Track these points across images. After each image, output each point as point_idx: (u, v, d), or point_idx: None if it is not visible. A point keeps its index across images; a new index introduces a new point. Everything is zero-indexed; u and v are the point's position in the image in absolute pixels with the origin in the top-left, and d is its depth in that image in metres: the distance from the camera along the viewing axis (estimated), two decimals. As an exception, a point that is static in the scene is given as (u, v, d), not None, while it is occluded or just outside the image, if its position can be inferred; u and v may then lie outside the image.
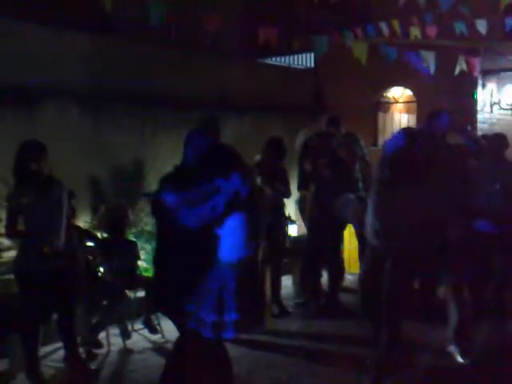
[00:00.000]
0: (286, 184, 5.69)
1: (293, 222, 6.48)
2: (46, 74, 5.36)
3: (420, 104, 8.07)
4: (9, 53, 5.14)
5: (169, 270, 3.26)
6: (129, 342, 4.83)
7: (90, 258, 4.94)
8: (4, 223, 4.06)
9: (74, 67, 5.59)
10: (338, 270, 6.05)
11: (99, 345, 4.71)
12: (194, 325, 3.12)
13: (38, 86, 5.26)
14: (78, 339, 4.42)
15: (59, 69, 5.46)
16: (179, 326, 3.39)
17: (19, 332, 4.09)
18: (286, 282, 6.16)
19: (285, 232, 5.86)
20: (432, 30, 6.13)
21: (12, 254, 4.85)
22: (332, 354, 4.69)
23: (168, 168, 6.15)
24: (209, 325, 3.10)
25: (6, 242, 4.97)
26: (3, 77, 5.03)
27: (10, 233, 4.09)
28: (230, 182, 3.09)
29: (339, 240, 6.15)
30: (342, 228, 6.15)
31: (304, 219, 6.34)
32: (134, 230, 5.68)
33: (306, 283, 5.97)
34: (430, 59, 5.75)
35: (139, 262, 5.26)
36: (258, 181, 5.35)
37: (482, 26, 5.88)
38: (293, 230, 6.55)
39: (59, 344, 4.49)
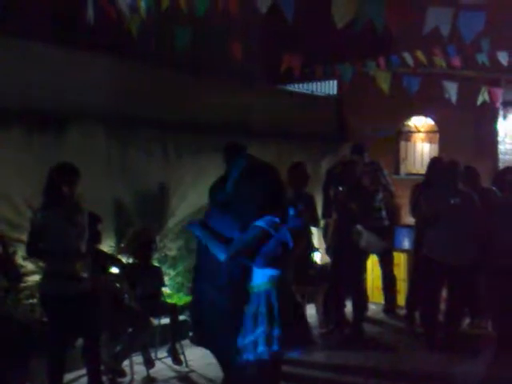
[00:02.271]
0: (314, 211, 5.65)
1: (316, 249, 6.42)
2: (71, 98, 5.39)
3: (442, 133, 8.05)
4: (35, 76, 5.18)
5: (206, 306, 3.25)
6: (152, 371, 4.75)
7: (116, 284, 4.90)
8: (26, 245, 4.04)
9: (98, 91, 5.61)
10: (361, 300, 5.97)
11: (122, 373, 4.63)
12: (248, 356, 3.05)
13: (64, 110, 5.29)
14: (102, 367, 4.36)
15: (84, 93, 5.49)
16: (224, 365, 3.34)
17: (44, 357, 4.03)
18: (310, 311, 6.06)
19: (310, 260, 5.80)
20: (455, 61, 6.16)
21: (35, 278, 4.83)
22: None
23: (191, 192, 6.25)
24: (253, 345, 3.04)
25: (30, 266, 4.95)
26: (29, 100, 5.06)
27: (32, 252, 4.06)
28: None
29: (362, 269, 6.08)
30: (365, 257, 6.09)
31: (327, 247, 6.28)
32: (157, 256, 5.64)
33: (330, 313, 5.89)
34: (451, 90, 5.76)
35: (163, 288, 5.21)
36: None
37: (503, 57, 5.91)
38: (317, 258, 6.47)
39: (83, 371, 4.43)
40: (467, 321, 5.90)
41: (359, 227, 5.62)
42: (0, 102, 4.79)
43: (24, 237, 4.61)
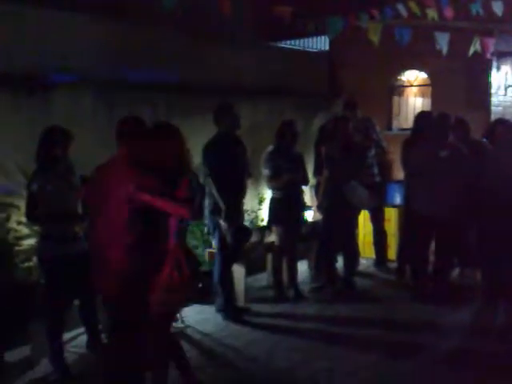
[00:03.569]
0: (303, 170, 5.69)
1: (308, 207, 6.49)
2: (59, 59, 5.35)
3: (434, 87, 8.02)
4: (23, 38, 5.13)
5: None
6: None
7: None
8: (24, 209, 4.09)
9: (87, 53, 5.57)
10: (352, 255, 6.09)
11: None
12: None
13: (52, 72, 5.25)
14: (100, 326, 4.49)
15: (71, 55, 5.44)
16: None
17: (43, 318, 4.14)
18: (302, 267, 6.20)
19: (302, 217, 5.88)
20: (448, 12, 6.07)
21: (31, 241, 4.92)
22: (348, 336, 4.76)
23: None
24: None
25: (25, 230, 5.02)
26: (17, 63, 5.03)
27: (31, 217, 4.12)
28: None
29: (354, 225, 6.18)
30: (357, 213, 6.17)
31: (319, 204, 6.35)
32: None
33: (322, 268, 6.01)
34: (442, 41, 5.71)
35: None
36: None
37: (497, 7, 5.82)
38: (308, 216, 6.56)
39: (81, 330, 4.57)
40: (457, 271, 6.04)
41: (353, 183, 5.67)
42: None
43: (17, 202, 4.70)
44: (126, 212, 3.10)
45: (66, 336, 4.48)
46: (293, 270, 5.77)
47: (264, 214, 6.54)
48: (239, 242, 5.12)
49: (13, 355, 4.23)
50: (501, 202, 4.81)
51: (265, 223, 6.35)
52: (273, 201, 5.68)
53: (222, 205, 4.93)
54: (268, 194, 5.96)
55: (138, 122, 3.54)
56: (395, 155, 6.64)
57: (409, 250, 5.96)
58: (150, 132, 3.34)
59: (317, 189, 6.22)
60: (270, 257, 5.95)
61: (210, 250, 5.66)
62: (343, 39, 7.65)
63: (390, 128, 8.30)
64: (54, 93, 5.34)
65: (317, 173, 6.20)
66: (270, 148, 5.56)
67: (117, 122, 3.53)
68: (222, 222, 4.96)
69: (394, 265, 6.42)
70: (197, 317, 5.17)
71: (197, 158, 5.26)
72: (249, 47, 7.34)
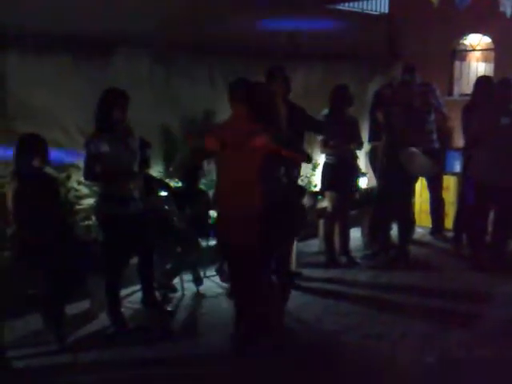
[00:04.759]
0: (358, 135, 5.59)
1: (363, 174, 6.40)
2: (116, 23, 5.40)
3: (498, 51, 7.65)
4: (81, 2, 5.21)
5: None
6: (202, 288, 5.01)
7: (165, 206, 5.08)
8: (83, 169, 4.16)
9: (142, 16, 5.59)
10: (408, 223, 5.96)
11: (174, 289, 4.90)
12: None
13: (109, 36, 5.31)
14: (155, 284, 4.63)
15: (129, 18, 5.48)
16: None
17: (102, 274, 4.30)
18: (355, 234, 6.15)
19: (355, 184, 5.81)
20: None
21: (90, 201, 5.08)
22: (400, 304, 4.72)
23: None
24: None
25: (85, 190, 5.18)
26: (75, 26, 5.10)
27: (89, 177, 4.19)
28: None
29: (410, 192, 6.03)
30: (414, 180, 6.03)
31: (374, 171, 6.25)
32: (204, 181, 5.77)
33: (376, 235, 5.94)
34: (507, 3, 5.45)
35: (211, 212, 5.37)
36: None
37: None
38: (362, 182, 6.47)
39: (137, 287, 4.73)
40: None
41: (413, 149, 5.52)
42: (47, 29, 4.86)
43: (77, 162, 4.84)
44: (259, 160, 3.51)
45: (123, 292, 4.63)
46: (345, 237, 5.74)
47: (317, 180, 6.49)
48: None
49: (73, 308, 4.40)
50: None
51: (318, 189, 6.31)
52: (326, 166, 5.62)
53: None
54: (321, 160, 5.90)
55: (249, 85, 3.83)
56: (456, 121, 6.42)
57: (466, 219, 5.81)
58: (260, 92, 3.73)
59: (372, 155, 6.12)
60: (321, 223, 5.93)
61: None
62: (403, 1, 7.39)
63: (450, 93, 8.00)
64: (113, 56, 5.41)
65: (372, 138, 6.08)
66: (325, 111, 5.48)
67: (230, 86, 3.85)
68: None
69: (450, 234, 6.28)
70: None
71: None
72: (306, 9, 7.19)
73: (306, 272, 5.40)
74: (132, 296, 4.80)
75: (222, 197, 3.78)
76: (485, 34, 7.84)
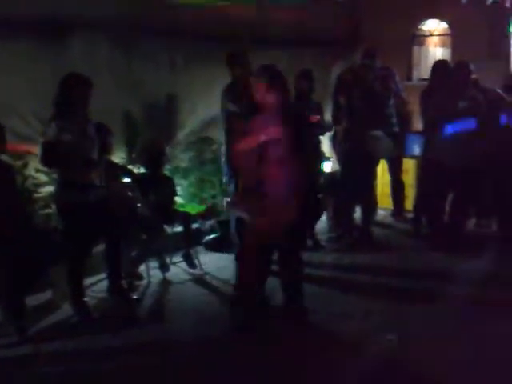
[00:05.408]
0: (321, 118, 5.63)
1: (327, 158, 6.45)
2: (74, 6, 5.26)
3: (455, 37, 7.81)
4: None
5: None
6: (168, 275, 4.98)
7: (129, 193, 5.02)
8: (41, 155, 3.99)
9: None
10: (370, 205, 6.06)
11: (140, 277, 4.86)
12: None
13: (67, 19, 5.17)
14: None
15: (88, 0, 5.35)
16: None
17: (64, 263, 4.22)
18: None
19: (319, 168, 5.85)
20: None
21: (49, 189, 4.95)
22: (363, 284, 4.79)
23: (201, 103, 6.21)
24: None
25: (43, 177, 5.05)
26: (33, 9, 4.96)
27: (47, 163, 4.07)
28: None
29: (372, 175, 6.12)
30: (375, 163, 6.12)
31: (337, 154, 6.31)
32: (169, 167, 5.72)
33: (340, 218, 6.01)
34: None
35: (176, 198, 5.33)
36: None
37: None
38: (326, 166, 6.53)
39: (102, 276, 4.67)
40: (473, 221, 6.02)
41: (378, 132, 5.59)
42: (2, 14, 4.70)
43: (33, 149, 4.70)
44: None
45: (88, 281, 4.58)
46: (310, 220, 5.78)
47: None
48: None
49: (35, 299, 4.30)
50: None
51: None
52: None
53: None
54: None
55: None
56: (415, 106, 6.52)
57: (425, 200, 5.93)
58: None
59: (334, 139, 6.17)
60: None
61: (228, 200, 5.67)
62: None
63: (409, 78, 8.14)
64: (70, 40, 5.28)
65: (335, 122, 6.13)
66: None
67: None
68: None
69: (410, 215, 6.41)
70: (215, 264, 5.25)
71: (214, 108, 5.24)
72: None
73: (274, 256, 5.39)
74: (96, 285, 4.73)
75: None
76: (442, 20, 7.98)
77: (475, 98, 5.21)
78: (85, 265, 4.24)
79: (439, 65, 5.97)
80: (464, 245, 5.40)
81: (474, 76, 5.51)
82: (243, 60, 4.95)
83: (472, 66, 5.40)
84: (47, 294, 4.44)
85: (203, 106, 6.22)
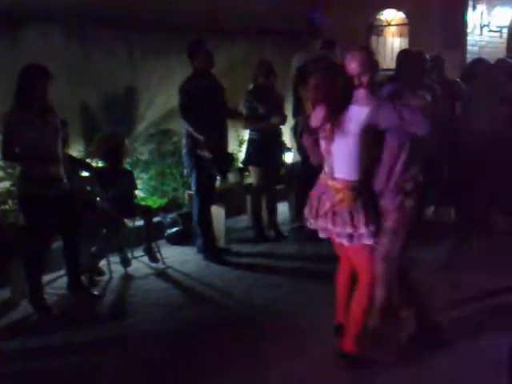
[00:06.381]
0: (282, 110, 5.63)
1: (289, 149, 6.46)
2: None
3: (412, 26, 7.92)
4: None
5: None
6: (130, 269, 4.92)
7: (88, 187, 4.92)
8: (1, 146, 3.90)
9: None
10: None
11: (101, 272, 4.78)
12: None
13: (20, 11, 5.03)
14: (80, 267, 4.48)
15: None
16: None
17: (23, 259, 4.12)
18: (282, 208, 6.23)
19: (280, 159, 5.86)
20: None
21: (5, 184, 4.83)
22: (325, 273, 4.76)
23: (159, 94, 6.14)
24: None
25: (0, 173, 4.93)
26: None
27: (8, 156, 3.98)
28: None
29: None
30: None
31: (298, 145, 6.32)
32: (129, 160, 5.64)
33: (302, 208, 6.02)
34: None
35: (136, 192, 5.26)
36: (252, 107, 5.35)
37: None
38: (288, 157, 6.54)
39: (61, 272, 4.58)
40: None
41: None
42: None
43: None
44: None
45: (47, 278, 4.49)
46: (272, 211, 5.80)
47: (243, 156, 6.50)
48: (223, 171, 5.10)
49: (-8, 298, 4.21)
50: (475, 140, 4.83)
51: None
52: (250, 141, 5.63)
53: (200, 137, 4.84)
54: (247, 136, 5.91)
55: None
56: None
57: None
58: None
59: (295, 130, 6.18)
60: (249, 198, 5.96)
61: (189, 192, 5.64)
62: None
63: (368, 69, 8.20)
64: (23, 31, 5.12)
65: (296, 113, 6.14)
66: (250, 87, 5.47)
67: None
68: (204, 153, 4.88)
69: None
70: (178, 258, 5.21)
71: (173, 100, 5.18)
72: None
73: (236, 248, 5.43)
74: (56, 282, 4.64)
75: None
76: (399, 10, 8.08)
77: (432, 89, 5.29)
78: (43, 261, 4.16)
79: (402, 54, 6.04)
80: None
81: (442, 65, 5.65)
82: (204, 51, 4.91)
83: (428, 56, 5.47)
84: (6, 292, 4.34)
85: (163, 98, 6.14)
